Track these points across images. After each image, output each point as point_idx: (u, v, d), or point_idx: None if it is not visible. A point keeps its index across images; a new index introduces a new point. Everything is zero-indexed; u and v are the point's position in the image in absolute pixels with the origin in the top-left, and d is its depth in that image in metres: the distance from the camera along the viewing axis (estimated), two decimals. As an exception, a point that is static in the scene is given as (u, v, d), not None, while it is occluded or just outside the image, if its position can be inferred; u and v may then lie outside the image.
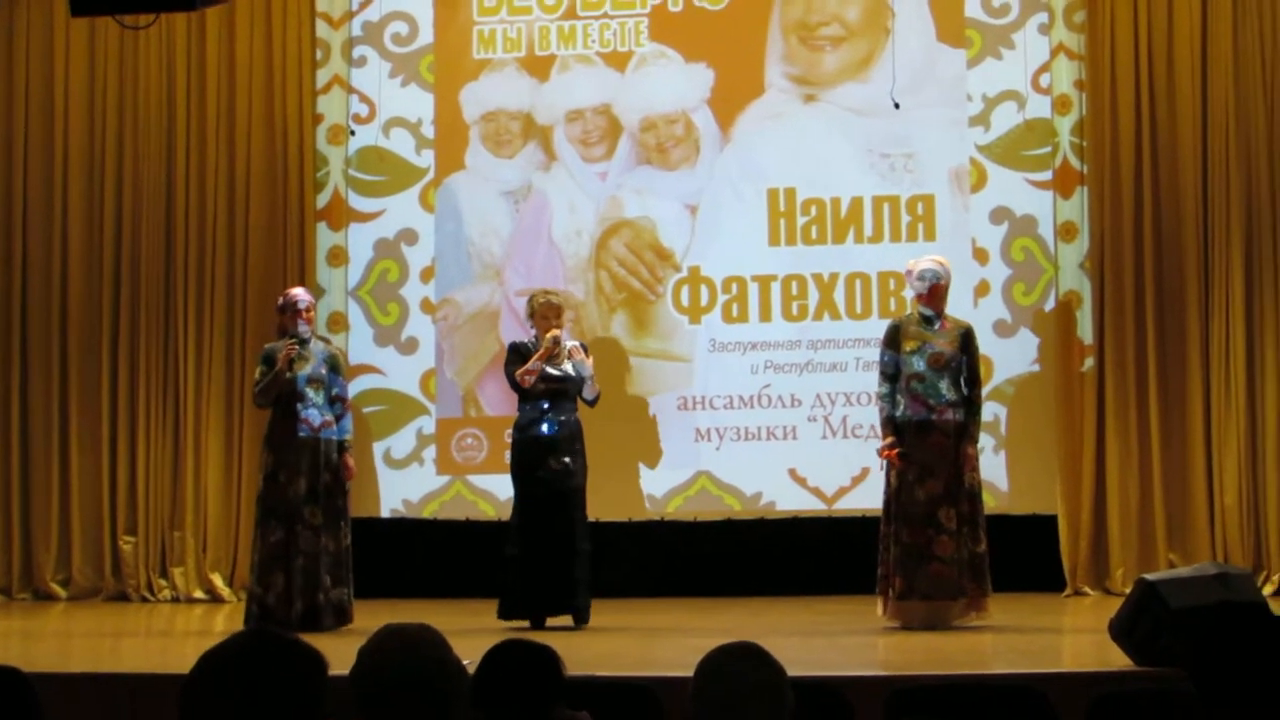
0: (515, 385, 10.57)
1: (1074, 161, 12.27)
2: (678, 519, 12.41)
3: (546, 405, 10.50)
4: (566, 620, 10.27)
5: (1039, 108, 12.38)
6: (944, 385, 10.18)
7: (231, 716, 3.12)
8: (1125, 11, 12.08)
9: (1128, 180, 12.04)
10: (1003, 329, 12.27)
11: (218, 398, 12.64)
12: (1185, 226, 11.96)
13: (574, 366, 10.55)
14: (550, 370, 10.44)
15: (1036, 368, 12.29)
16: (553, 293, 10.89)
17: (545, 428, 10.47)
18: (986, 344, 11.67)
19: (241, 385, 12.25)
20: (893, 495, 10.25)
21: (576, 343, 10.93)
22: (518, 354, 10.58)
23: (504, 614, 10.19)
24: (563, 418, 10.50)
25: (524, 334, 10.92)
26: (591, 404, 10.71)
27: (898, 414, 10.22)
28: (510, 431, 10.70)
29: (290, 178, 12.78)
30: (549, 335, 10.42)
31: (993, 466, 11.90)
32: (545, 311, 10.56)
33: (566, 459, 10.45)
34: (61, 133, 12.96)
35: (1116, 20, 12.09)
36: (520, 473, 10.56)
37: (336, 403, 10.67)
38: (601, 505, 11.13)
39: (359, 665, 3.62)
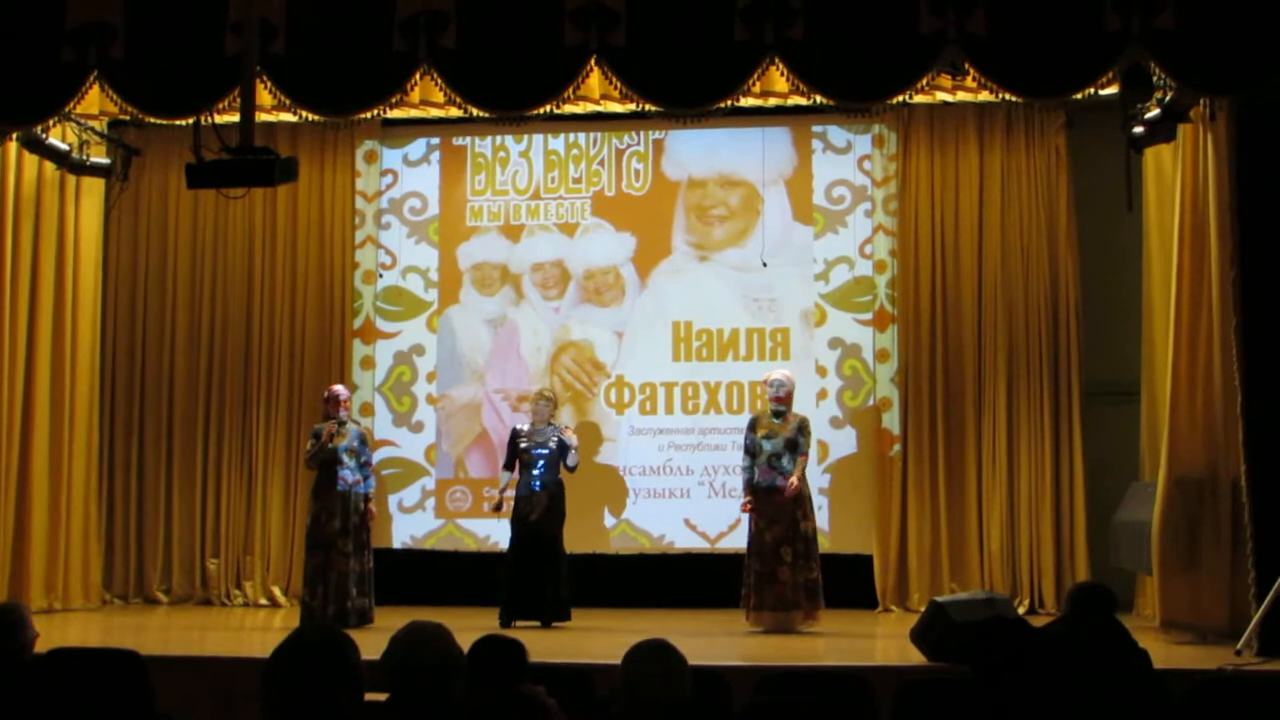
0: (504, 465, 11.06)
1: (888, 306, 12.34)
2: (603, 553, 12.34)
3: (537, 471, 10.65)
4: (535, 622, 10.41)
5: (864, 268, 12.45)
6: (786, 460, 10.33)
7: (301, 678, 3.11)
8: (925, 204, 12.22)
9: (925, 320, 12.13)
10: (836, 423, 12.30)
11: (279, 462, 12.53)
12: (965, 354, 12.06)
13: (559, 443, 10.76)
14: (538, 447, 10.78)
15: (858, 450, 12.31)
16: (544, 392, 11.25)
17: (536, 485, 10.63)
18: (823, 433, 11.82)
19: (297, 453, 12.18)
20: (752, 537, 10.39)
21: (567, 425, 11.24)
22: (513, 437, 10.96)
23: (501, 619, 10.39)
24: (547, 479, 10.69)
25: (509, 423, 11.44)
26: (571, 470, 10.86)
27: (754, 480, 10.34)
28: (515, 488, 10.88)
29: (335, 306, 12.73)
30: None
31: (827, 519, 11.93)
32: (533, 405, 11.07)
33: (547, 511, 10.65)
34: (171, 269, 12.87)
35: (919, 210, 12.23)
36: (515, 518, 10.74)
37: (364, 467, 10.66)
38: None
39: (390, 648, 3.62)
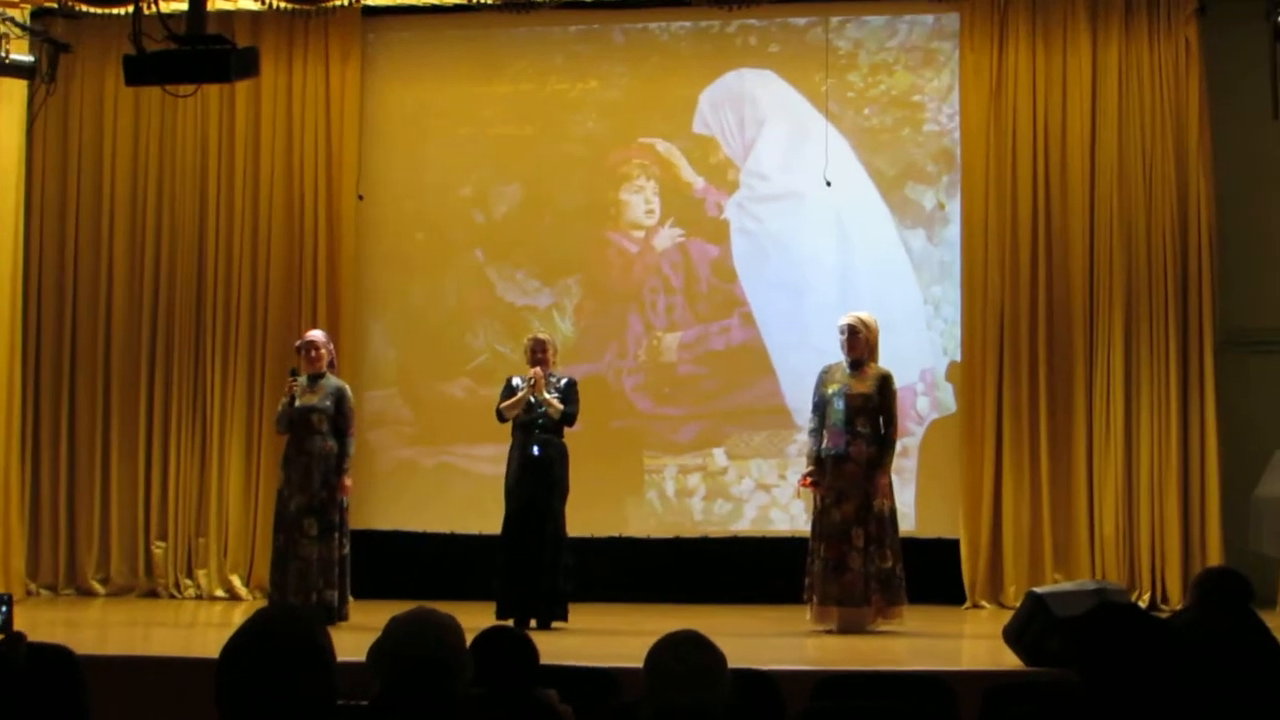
0: (500, 417, 10.65)
1: (980, 238, 12.30)
2: (634, 536, 12.40)
3: (536, 431, 10.50)
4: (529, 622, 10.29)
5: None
6: (859, 422, 10.26)
7: (262, 667, 3.16)
8: (1026, 112, 12.10)
9: (1025, 256, 12.03)
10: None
11: (239, 422, 12.61)
12: (1074, 296, 11.95)
13: (557, 398, 10.55)
14: (534, 400, 10.50)
15: (943, 413, 12.32)
16: (538, 333, 10.93)
17: (535, 449, 10.49)
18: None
19: (261, 411, 12.28)
20: (816, 516, 10.36)
21: (567, 378, 10.80)
22: (509, 390, 10.67)
23: (498, 614, 10.12)
24: (548, 442, 10.54)
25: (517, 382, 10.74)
26: (569, 423, 10.64)
27: (820, 448, 10.31)
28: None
29: (305, 236, 12.78)
30: (531, 373, 10.47)
31: (911, 496, 11.93)
32: (531, 350, 10.64)
33: (544, 481, 10.49)
34: (109, 187, 12.92)
35: (1018, 120, 12.09)
36: (507, 488, 10.60)
37: (340, 431, 10.60)
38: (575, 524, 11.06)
39: (386, 636, 3.64)
